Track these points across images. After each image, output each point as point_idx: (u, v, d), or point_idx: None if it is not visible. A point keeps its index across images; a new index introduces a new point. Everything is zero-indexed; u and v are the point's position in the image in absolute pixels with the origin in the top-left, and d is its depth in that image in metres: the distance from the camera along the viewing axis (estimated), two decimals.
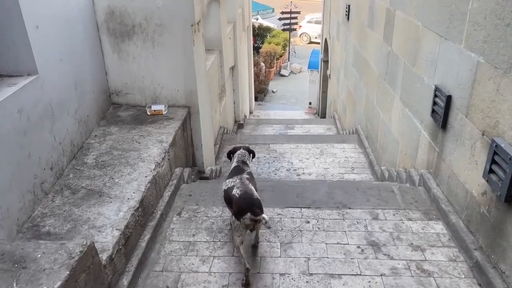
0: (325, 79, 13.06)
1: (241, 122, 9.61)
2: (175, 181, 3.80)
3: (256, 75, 15.94)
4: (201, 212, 3.53)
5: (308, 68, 14.58)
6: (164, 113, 4.45)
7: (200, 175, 4.91)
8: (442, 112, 3.43)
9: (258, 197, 2.82)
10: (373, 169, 5.75)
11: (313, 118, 13.60)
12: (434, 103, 3.61)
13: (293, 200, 3.67)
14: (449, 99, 3.34)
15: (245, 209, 2.66)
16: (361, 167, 5.97)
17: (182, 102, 4.59)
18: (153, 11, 4.19)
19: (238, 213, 2.69)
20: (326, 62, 12.69)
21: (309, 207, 3.56)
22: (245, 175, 3.03)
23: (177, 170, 3.98)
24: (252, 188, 2.88)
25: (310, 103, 14.96)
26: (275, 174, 5.84)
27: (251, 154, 3.41)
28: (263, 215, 2.61)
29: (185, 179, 4.10)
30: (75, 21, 3.79)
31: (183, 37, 4.26)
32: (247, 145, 3.56)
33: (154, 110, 4.44)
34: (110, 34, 4.33)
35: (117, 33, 4.32)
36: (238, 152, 3.35)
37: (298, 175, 5.80)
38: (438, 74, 3.61)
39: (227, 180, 3.05)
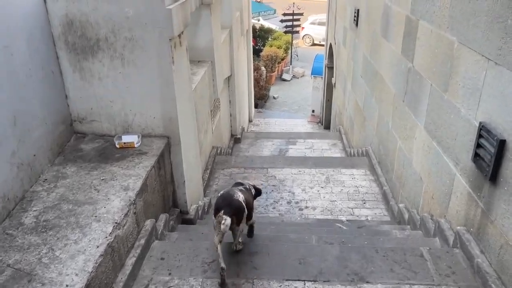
0: (329, 86, 12.20)
1: (238, 136, 8.79)
2: (143, 241, 2.98)
3: (256, 81, 15.11)
4: (174, 287, 2.71)
5: (312, 74, 13.75)
6: (136, 145, 3.64)
7: (183, 217, 4.09)
8: (491, 160, 2.60)
9: (240, 200, 2.78)
10: (388, 204, 4.92)
11: (316, 129, 12.76)
12: (478, 145, 2.78)
13: (294, 269, 2.85)
14: (502, 144, 2.51)
15: (220, 207, 2.69)
16: (374, 200, 5.14)
17: (159, 131, 3.78)
18: (121, 22, 3.38)
19: (214, 211, 2.74)
20: (330, 68, 11.84)
21: (315, 281, 2.74)
22: (241, 187, 3.06)
23: (148, 224, 3.16)
24: (239, 193, 2.84)
25: (313, 111, 14.12)
26: (274, 208, 5.02)
27: (258, 191, 3.35)
28: (224, 216, 2.60)
29: (159, 233, 3.28)
30: (16, 33, 2.98)
31: (159, 53, 3.45)
32: (252, 184, 3.41)
33: (124, 143, 3.63)
34: (70, 49, 3.51)
35: (78, 48, 3.50)
36: (240, 188, 3.11)
37: (301, 209, 4.98)
38: (483, 107, 2.77)
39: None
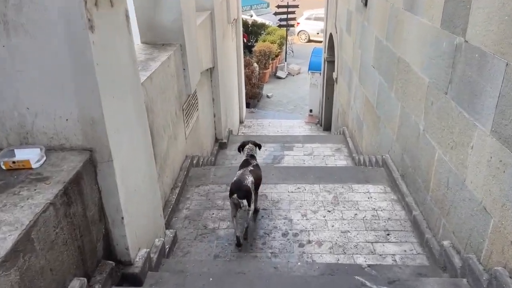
0: (329, 83, 10.84)
1: (224, 140, 7.39)
2: None
3: (248, 78, 13.72)
4: None
5: (309, 69, 12.38)
6: (35, 165, 2.23)
7: (124, 271, 2.68)
8: None
9: (248, 185, 3.56)
10: (422, 237, 3.55)
11: (315, 131, 11.39)
12: None
13: None
14: None
15: (233, 191, 3.51)
16: (401, 229, 3.77)
17: (76, 142, 2.37)
18: None
19: (229, 193, 3.55)
20: (330, 62, 10.48)
21: None
22: (250, 167, 3.87)
23: None
24: (248, 178, 3.64)
25: (311, 111, 12.75)
26: (263, 243, 3.63)
27: (257, 147, 4.29)
28: (242, 201, 3.44)
29: None
30: None
31: (67, 13, 2.06)
32: (253, 140, 4.40)
33: (14, 162, 2.22)
34: None
35: None
36: (247, 146, 4.25)
37: (302, 245, 3.59)
38: None
39: (237, 173, 3.82)
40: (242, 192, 3.45)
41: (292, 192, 4.42)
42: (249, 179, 3.63)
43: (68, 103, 2.27)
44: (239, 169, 3.88)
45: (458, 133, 3.00)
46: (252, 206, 3.61)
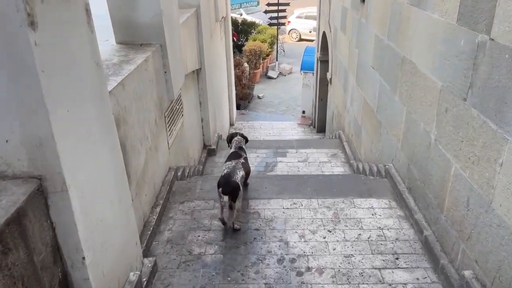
0: (322, 83, 10.43)
1: (212, 147, 6.91)
2: None
3: (238, 78, 13.26)
4: None
5: (301, 69, 11.95)
6: None
7: None
8: None
9: (237, 181, 3.58)
10: (435, 262, 3.12)
11: (308, 133, 10.96)
12: None
13: None
14: None
15: (220, 184, 3.56)
16: (411, 252, 3.34)
17: (20, 168, 1.89)
18: None
19: (217, 185, 3.60)
20: (324, 62, 10.07)
21: None
22: (241, 160, 3.96)
23: None
24: (239, 173, 3.71)
25: (303, 112, 12.33)
26: (256, 272, 3.17)
27: (244, 140, 4.56)
28: (225, 196, 3.48)
29: None
30: None
31: None
32: (241, 132, 4.67)
33: None
34: None
35: None
36: (235, 138, 4.47)
37: (300, 273, 3.14)
38: None
39: (225, 164, 3.92)
40: (228, 188, 3.50)
41: (288, 208, 3.97)
42: (240, 174, 3.69)
43: (7, 120, 1.79)
44: (229, 160, 3.95)
45: (481, 147, 2.57)
46: (238, 204, 3.58)
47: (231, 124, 11.71)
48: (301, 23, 22.78)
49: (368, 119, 5.47)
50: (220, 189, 3.50)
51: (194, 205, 4.06)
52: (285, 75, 17.27)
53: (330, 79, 8.61)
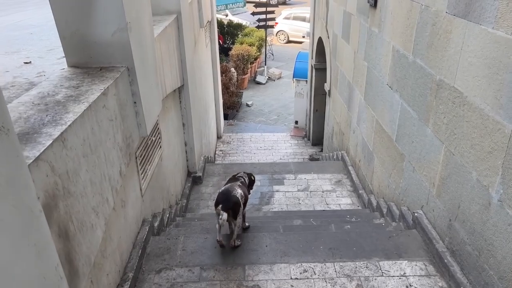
0: (318, 93, 9.60)
1: (198, 174, 5.97)
2: None
3: (226, 86, 12.31)
4: None
5: (294, 77, 11.07)
6: None
7: None
8: None
9: (237, 197, 3.30)
10: None
11: (303, 146, 10.09)
12: None
13: None
14: None
15: (219, 201, 3.24)
16: None
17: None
18: None
19: (215, 203, 3.27)
20: (320, 70, 9.22)
21: None
22: (238, 183, 3.60)
23: None
24: (238, 189, 3.38)
25: (296, 122, 11.47)
26: None
27: (248, 177, 3.91)
28: (222, 212, 3.13)
29: None
30: None
31: None
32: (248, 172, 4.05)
33: None
34: None
35: None
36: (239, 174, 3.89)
37: None
38: None
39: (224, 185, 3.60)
40: (229, 203, 3.24)
41: (297, 279, 3.06)
42: (239, 191, 3.40)
43: None
44: (225, 184, 3.65)
45: None
46: (239, 220, 3.40)
47: (219, 137, 10.78)
48: (289, 24, 21.94)
49: (383, 147, 4.61)
50: (220, 206, 3.20)
51: (174, 276, 3.12)
52: (274, 80, 16.37)
53: (329, 91, 7.74)
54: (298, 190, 5.71)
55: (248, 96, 14.37)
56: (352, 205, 5.35)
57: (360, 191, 5.42)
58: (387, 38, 4.38)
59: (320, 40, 8.60)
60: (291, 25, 21.82)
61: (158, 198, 4.17)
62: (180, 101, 5.46)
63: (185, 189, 5.51)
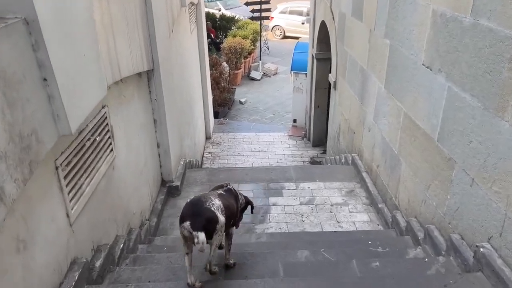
0: (320, 87, 8.44)
1: (175, 183, 4.76)
2: None
3: (216, 81, 11.12)
4: None
5: (292, 70, 9.89)
6: None
7: None
8: None
9: (212, 211, 2.27)
10: None
11: (303, 148, 8.93)
12: None
13: None
14: None
15: (185, 216, 2.28)
16: None
17: None
18: None
19: (179, 219, 2.32)
20: (323, 60, 8.06)
21: None
22: (220, 191, 2.57)
23: None
24: (214, 200, 2.35)
25: (294, 121, 10.30)
26: None
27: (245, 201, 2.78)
28: (197, 233, 2.16)
29: None
30: None
31: None
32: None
33: None
34: None
35: None
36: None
37: None
38: None
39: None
40: (199, 219, 2.23)
41: None
42: (216, 202, 2.36)
43: None
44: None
45: None
46: (218, 238, 2.33)
47: (207, 137, 9.59)
48: (285, 19, 20.79)
49: (417, 149, 3.43)
50: (187, 222, 2.24)
51: None
52: (270, 76, 15.19)
53: (335, 82, 6.57)
54: (301, 204, 4.53)
55: (242, 93, 13.17)
56: (371, 223, 4.19)
57: (379, 205, 4.25)
58: (422, 0, 3.21)
59: (323, 25, 7.43)
60: (288, 20, 20.67)
61: (108, 222, 2.97)
62: (150, 91, 4.26)
63: (156, 204, 4.31)
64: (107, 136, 2.94)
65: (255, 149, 9.17)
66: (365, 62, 4.85)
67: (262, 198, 4.66)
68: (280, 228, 4.11)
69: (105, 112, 2.91)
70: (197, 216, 2.25)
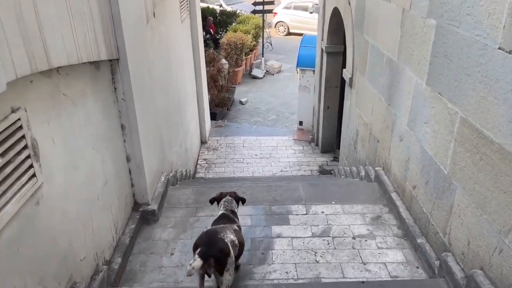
0: (330, 85, 7.39)
1: (151, 207, 3.71)
2: None
3: (213, 79, 10.08)
4: None
5: (297, 66, 8.83)
6: None
7: None
8: None
9: (226, 243, 2.32)
10: None
11: (310, 154, 7.87)
12: None
13: None
14: None
15: (199, 243, 2.31)
16: None
17: None
18: None
19: (193, 246, 2.36)
20: (334, 54, 7.01)
21: None
22: (234, 226, 2.63)
23: None
24: (229, 234, 2.43)
25: (300, 123, 9.24)
26: None
27: (239, 202, 2.97)
28: (196, 257, 2.17)
29: None
30: None
31: None
32: (233, 192, 3.02)
33: None
34: None
35: None
36: (224, 199, 2.90)
37: None
38: None
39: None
40: (213, 249, 2.24)
41: None
42: (230, 236, 2.42)
43: None
44: (216, 224, 2.65)
45: None
46: (228, 278, 2.28)
47: (203, 142, 8.55)
48: (289, 14, 19.73)
49: (484, 170, 2.37)
50: (200, 249, 2.19)
51: None
52: (273, 74, 14.13)
53: (350, 78, 5.50)
54: (313, 235, 3.48)
55: (242, 92, 12.11)
56: (407, 265, 3.13)
57: (418, 240, 3.19)
58: None
59: (335, 13, 6.38)
60: (292, 16, 19.63)
61: (28, 281, 1.93)
62: (115, 88, 3.22)
63: (123, 237, 3.27)
64: (22, 156, 1.90)
65: (256, 155, 8.12)
66: (395, 52, 3.79)
67: (263, 227, 3.60)
68: (286, 272, 3.05)
69: (18, 119, 1.88)
70: (210, 245, 2.26)
